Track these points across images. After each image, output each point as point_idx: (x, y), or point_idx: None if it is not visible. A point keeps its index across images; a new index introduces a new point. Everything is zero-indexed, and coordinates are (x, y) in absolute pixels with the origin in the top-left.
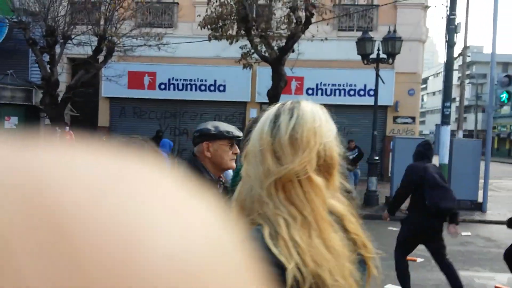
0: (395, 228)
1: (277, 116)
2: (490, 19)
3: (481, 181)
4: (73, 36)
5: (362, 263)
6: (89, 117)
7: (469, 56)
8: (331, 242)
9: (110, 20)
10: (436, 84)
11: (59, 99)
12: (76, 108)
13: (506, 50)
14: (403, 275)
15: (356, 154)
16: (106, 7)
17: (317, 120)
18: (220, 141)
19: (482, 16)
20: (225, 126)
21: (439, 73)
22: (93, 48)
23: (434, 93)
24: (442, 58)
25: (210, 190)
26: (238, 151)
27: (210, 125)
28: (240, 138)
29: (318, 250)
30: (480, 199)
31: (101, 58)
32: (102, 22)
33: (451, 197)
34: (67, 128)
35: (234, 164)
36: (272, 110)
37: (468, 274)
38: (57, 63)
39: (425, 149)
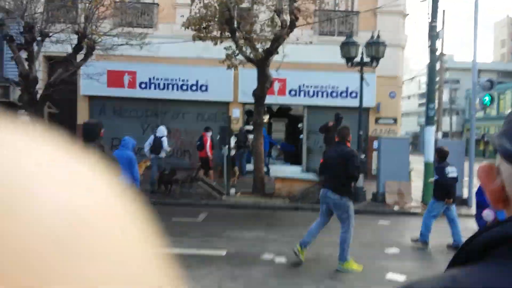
0: (385, 223)
1: None
2: (459, 28)
3: (466, 178)
4: (51, 34)
5: None
6: (67, 114)
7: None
8: None
9: (91, 19)
10: (411, 88)
11: (38, 96)
12: (53, 105)
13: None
14: None
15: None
16: (86, 5)
17: None
18: None
19: (452, 25)
20: None
21: (413, 77)
22: (73, 46)
23: (409, 97)
24: (415, 64)
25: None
26: None
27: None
28: None
29: None
30: (465, 195)
31: (79, 56)
32: (82, 20)
33: None
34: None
35: None
36: None
37: None
38: (35, 61)
39: None
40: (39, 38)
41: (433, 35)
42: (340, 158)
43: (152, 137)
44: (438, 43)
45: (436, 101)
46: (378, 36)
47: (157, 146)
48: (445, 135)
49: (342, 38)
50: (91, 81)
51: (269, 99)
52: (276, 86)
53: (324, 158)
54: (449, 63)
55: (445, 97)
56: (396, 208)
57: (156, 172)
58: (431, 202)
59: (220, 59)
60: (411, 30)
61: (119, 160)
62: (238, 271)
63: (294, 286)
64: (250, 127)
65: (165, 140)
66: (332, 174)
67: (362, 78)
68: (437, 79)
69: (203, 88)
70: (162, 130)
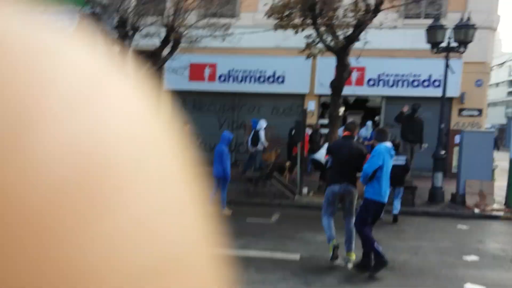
0: (464, 227)
1: None
2: None
3: None
4: (141, 28)
5: None
6: None
7: None
8: None
9: (179, 11)
10: (500, 75)
11: None
12: None
13: None
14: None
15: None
16: None
17: None
18: None
19: None
20: None
21: (503, 62)
22: (161, 40)
23: (497, 84)
24: (507, 48)
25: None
26: None
27: None
28: None
29: None
30: None
31: (165, 50)
32: (171, 12)
33: None
34: None
35: None
36: None
37: None
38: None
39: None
40: (130, 33)
41: None
42: (356, 155)
43: (253, 130)
44: None
45: None
46: (469, 18)
47: (256, 139)
48: None
49: (429, 21)
50: (173, 76)
51: (346, 90)
52: (354, 76)
53: (336, 153)
54: None
55: None
56: (476, 211)
57: (260, 162)
58: None
59: (298, 49)
60: (505, 8)
61: (215, 153)
62: (312, 277)
63: None
64: (324, 121)
65: (262, 133)
66: (348, 169)
67: (447, 65)
68: None
69: (280, 79)
70: (260, 123)
